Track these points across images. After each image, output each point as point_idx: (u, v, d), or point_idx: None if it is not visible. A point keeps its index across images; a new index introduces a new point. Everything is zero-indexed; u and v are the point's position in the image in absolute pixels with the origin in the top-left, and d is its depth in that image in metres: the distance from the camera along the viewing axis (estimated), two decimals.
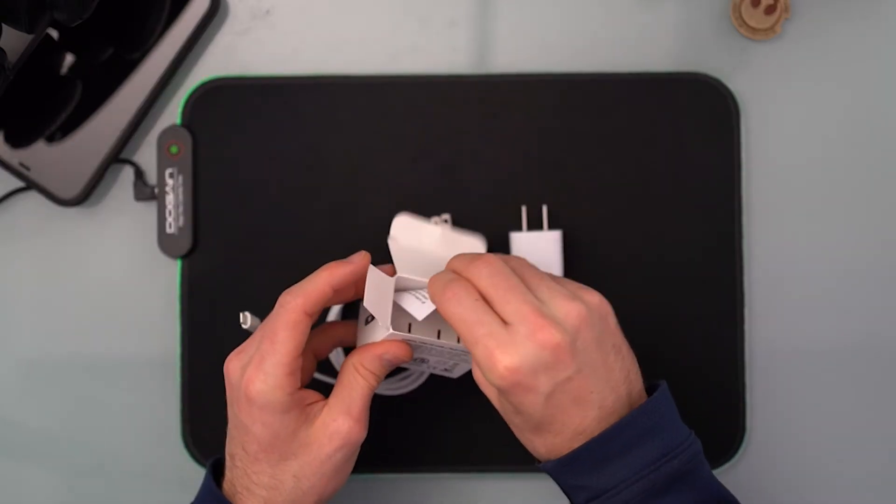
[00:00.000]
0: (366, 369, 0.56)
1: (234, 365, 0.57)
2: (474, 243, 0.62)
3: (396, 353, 0.57)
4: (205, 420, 0.67)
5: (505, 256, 0.57)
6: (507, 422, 0.56)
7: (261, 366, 0.55)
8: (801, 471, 0.68)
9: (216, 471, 0.59)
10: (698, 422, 0.58)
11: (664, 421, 0.54)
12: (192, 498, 0.59)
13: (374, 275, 0.57)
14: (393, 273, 0.58)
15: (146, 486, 0.69)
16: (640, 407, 0.54)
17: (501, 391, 0.53)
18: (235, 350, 0.58)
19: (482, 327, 0.52)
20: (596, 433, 0.53)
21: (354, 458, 0.58)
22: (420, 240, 0.62)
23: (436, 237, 0.62)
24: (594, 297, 0.55)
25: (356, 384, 0.56)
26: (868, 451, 0.69)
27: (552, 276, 0.56)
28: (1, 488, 0.69)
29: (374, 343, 0.57)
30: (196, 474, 0.63)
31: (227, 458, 0.58)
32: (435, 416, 0.68)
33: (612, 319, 0.55)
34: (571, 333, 0.52)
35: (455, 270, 0.56)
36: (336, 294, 0.57)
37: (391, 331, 0.56)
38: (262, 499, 0.56)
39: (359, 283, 0.58)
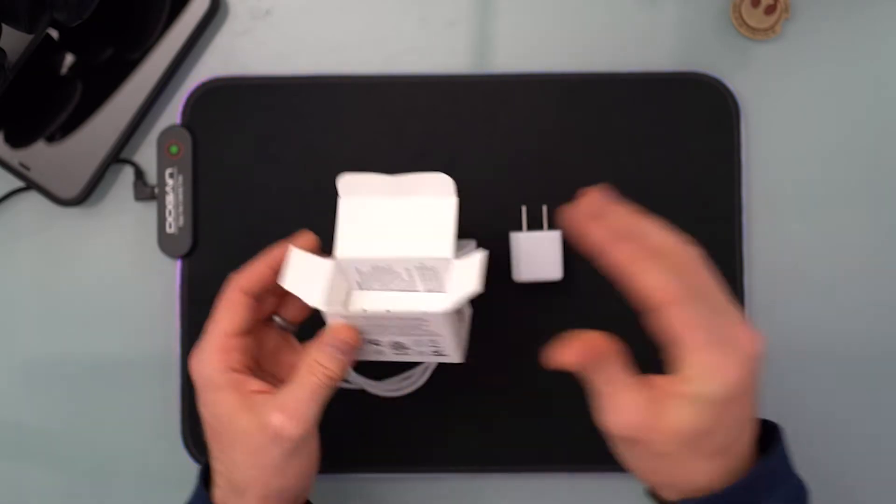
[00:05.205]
0: (319, 364, 0.54)
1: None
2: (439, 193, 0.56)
3: (340, 337, 0.54)
4: None
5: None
6: (690, 444, 0.51)
7: (199, 345, 0.56)
8: (802, 470, 0.68)
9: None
10: None
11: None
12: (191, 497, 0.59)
13: (297, 255, 0.54)
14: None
15: (146, 486, 0.69)
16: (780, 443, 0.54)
17: (725, 399, 0.50)
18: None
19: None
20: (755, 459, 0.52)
21: (303, 457, 0.55)
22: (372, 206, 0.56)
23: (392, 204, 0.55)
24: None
25: (305, 381, 0.54)
26: (869, 451, 0.69)
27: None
28: (1, 488, 0.69)
29: (323, 334, 0.55)
30: (196, 474, 0.63)
31: None
32: (438, 416, 0.68)
33: None
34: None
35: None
36: (277, 274, 0.56)
37: (325, 308, 0.53)
38: (220, 488, 0.56)
39: None
